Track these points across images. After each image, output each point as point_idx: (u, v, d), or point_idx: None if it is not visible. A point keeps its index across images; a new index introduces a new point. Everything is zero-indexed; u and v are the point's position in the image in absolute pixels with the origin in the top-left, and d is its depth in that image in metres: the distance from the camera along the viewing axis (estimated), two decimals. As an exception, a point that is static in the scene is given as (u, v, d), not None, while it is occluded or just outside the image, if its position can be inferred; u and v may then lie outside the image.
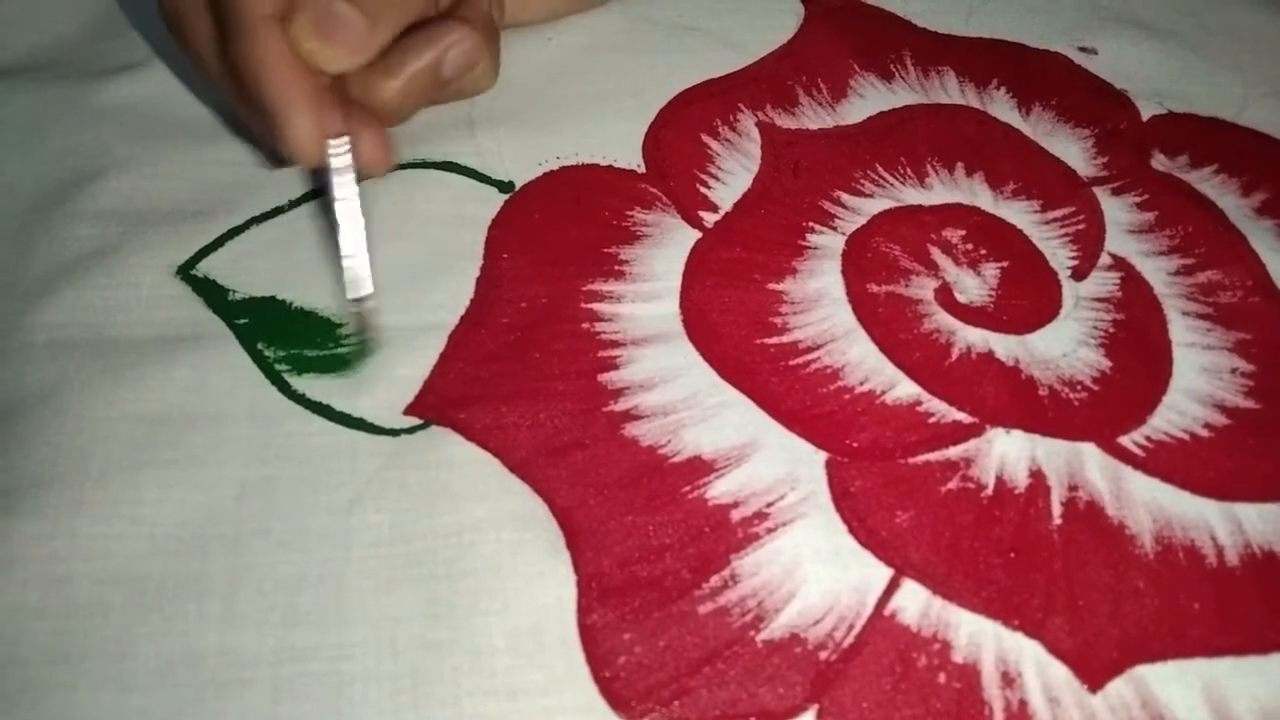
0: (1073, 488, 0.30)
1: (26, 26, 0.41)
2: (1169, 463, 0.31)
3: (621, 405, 0.31)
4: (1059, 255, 0.36)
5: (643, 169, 0.37)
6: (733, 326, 0.33)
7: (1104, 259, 0.36)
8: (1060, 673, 0.27)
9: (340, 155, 0.31)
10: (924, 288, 0.35)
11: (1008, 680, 0.27)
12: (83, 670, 0.25)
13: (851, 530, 0.29)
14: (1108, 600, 0.28)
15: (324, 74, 0.31)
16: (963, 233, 0.36)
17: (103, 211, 0.34)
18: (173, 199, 0.34)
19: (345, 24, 0.30)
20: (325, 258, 0.33)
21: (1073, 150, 0.40)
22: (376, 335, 0.31)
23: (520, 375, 0.31)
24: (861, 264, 0.35)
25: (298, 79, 0.30)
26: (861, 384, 0.32)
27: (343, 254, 0.31)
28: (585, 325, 0.32)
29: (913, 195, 0.37)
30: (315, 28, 0.30)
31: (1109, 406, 0.32)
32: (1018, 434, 0.31)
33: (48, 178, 0.35)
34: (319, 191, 0.34)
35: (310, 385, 0.30)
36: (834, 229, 0.36)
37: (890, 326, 0.33)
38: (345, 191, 0.31)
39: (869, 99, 0.40)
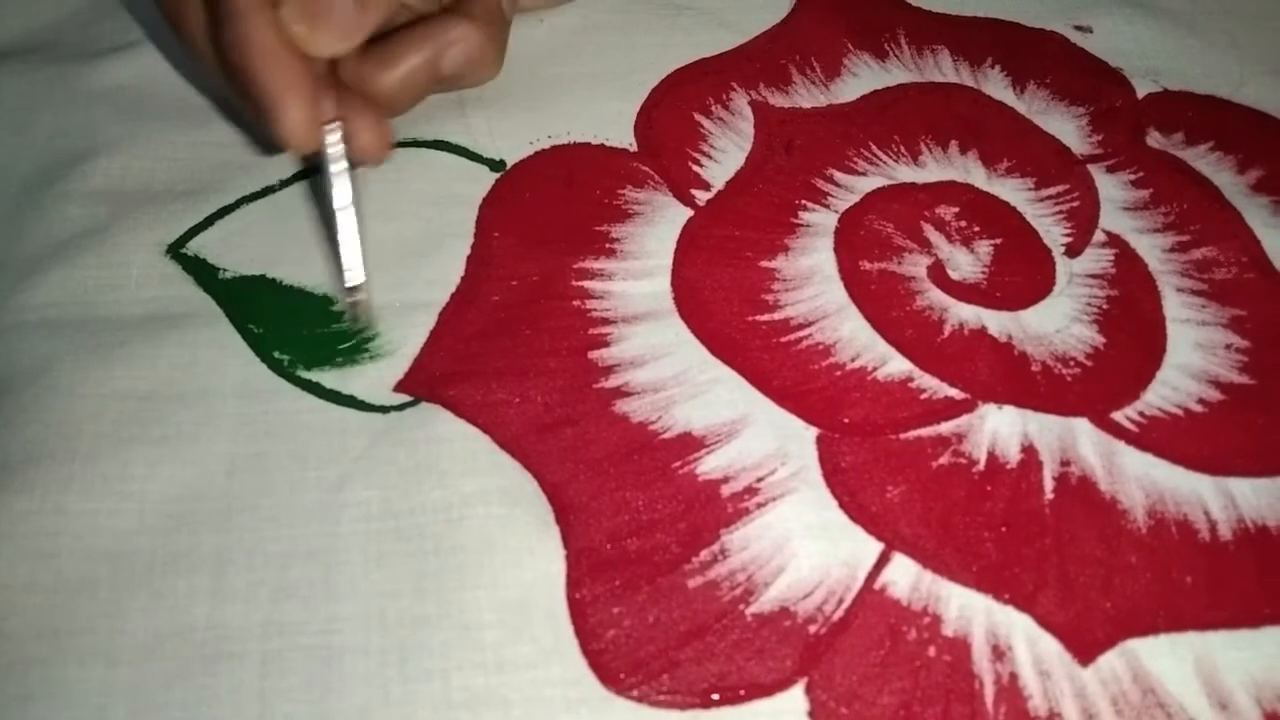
0: (1065, 463, 0.30)
1: (18, 9, 0.41)
2: (1162, 438, 0.31)
3: (612, 382, 0.31)
4: (1053, 232, 0.36)
5: (635, 148, 0.37)
6: (724, 304, 0.33)
7: (1098, 236, 0.36)
8: (1051, 646, 0.27)
9: (335, 142, 0.30)
10: (917, 265, 0.35)
11: (998, 654, 0.27)
12: (71, 645, 0.25)
13: (842, 505, 0.29)
14: (1099, 574, 0.28)
15: (317, 59, 0.30)
16: (956, 210, 0.36)
17: (93, 191, 0.34)
18: (163, 179, 0.34)
19: (333, 7, 0.30)
20: (316, 237, 0.33)
21: (1067, 128, 0.39)
22: (372, 323, 0.31)
23: (511, 352, 0.31)
24: (854, 241, 0.35)
25: (290, 64, 0.29)
26: (853, 360, 0.32)
27: (338, 242, 0.31)
28: (576, 303, 0.32)
29: (906, 173, 0.37)
30: (304, 11, 0.29)
31: (1102, 382, 0.32)
32: (1010, 410, 0.31)
33: (39, 158, 0.35)
34: (310, 171, 0.34)
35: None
36: (827, 207, 0.36)
37: (882, 303, 0.33)
38: (340, 179, 0.31)
39: (863, 78, 0.40)
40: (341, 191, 0.30)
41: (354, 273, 0.31)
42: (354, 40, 0.30)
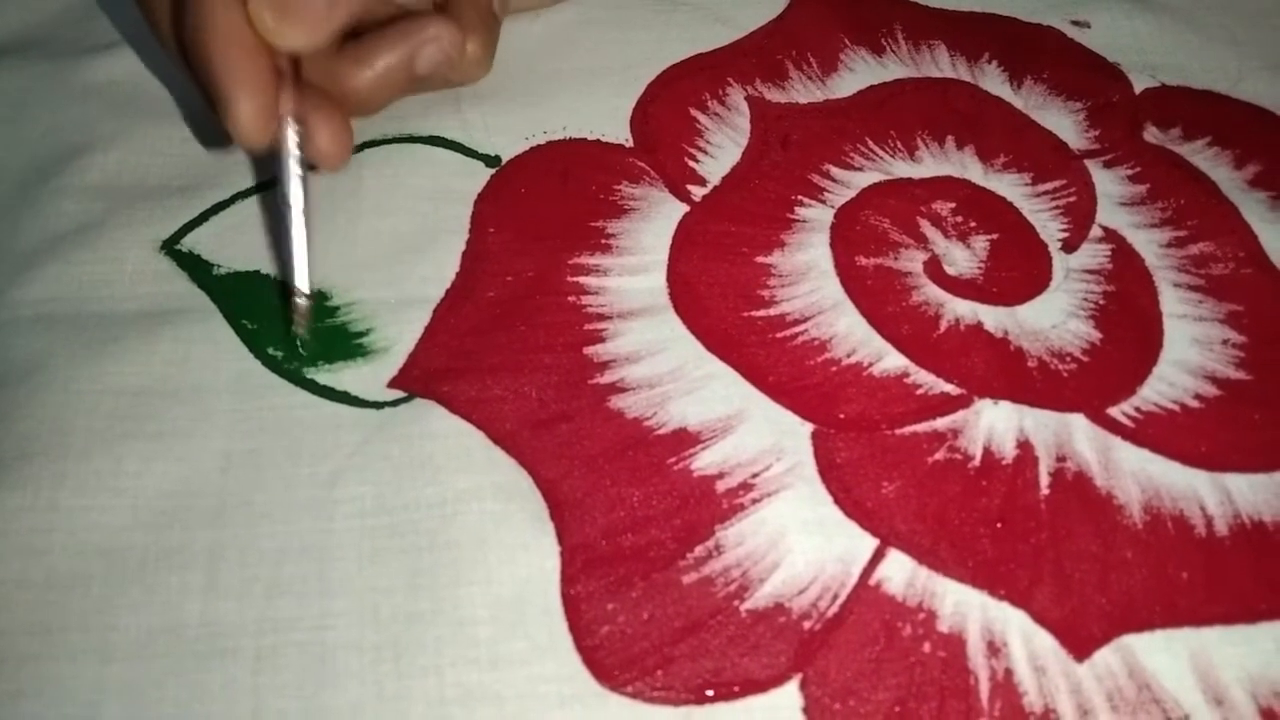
0: (1061, 458, 0.30)
1: (13, 4, 0.41)
2: (1159, 434, 0.31)
3: (607, 378, 0.31)
4: (1049, 228, 0.36)
5: (631, 143, 0.37)
6: (720, 299, 0.33)
7: (1095, 231, 0.36)
8: (1046, 642, 0.27)
9: (291, 140, 0.29)
10: (913, 260, 0.34)
11: (993, 649, 0.26)
12: (64, 641, 0.25)
13: (837, 501, 0.29)
14: (1095, 570, 0.28)
15: (281, 55, 0.29)
16: (952, 205, 0.36)
17: (88, 187, 0.34)
18: (158, 175, 0.34)
19: (305, 0, 0.29)
20: (311, 236, 0.33)
21: (1064, 123, 0.39)
22: (310, 334, 0.30)
23: (506, 348, 0.31)
24: (850, 237, 0.35)
25: (249, 56, 0.28)
26: (849, 356, 0.32)
27: (286, 244, 0.30)
28: (571, 298, 0.32)
29: (902, 168, 0.37)
30: (272, 2, 0.28)
31: (1098, 378, 0.32)
32: (1006, 405, 0.31)
33: (33, 154, 0.35)
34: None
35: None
36: (823, 202, 0.36)
37: (878, 299, 0.33)
38: (293, 179, 0.30)
39: (859, 73, 0.40)
40: (294, 191, 0.30)
41: (300, 279, 0.30)
42: (322, 34, 0.29)
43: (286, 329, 0.30)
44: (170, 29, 0.31)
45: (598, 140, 0.36)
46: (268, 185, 0.34)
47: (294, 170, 0.30)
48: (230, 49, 0.28)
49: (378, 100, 0.34)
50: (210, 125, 0.35)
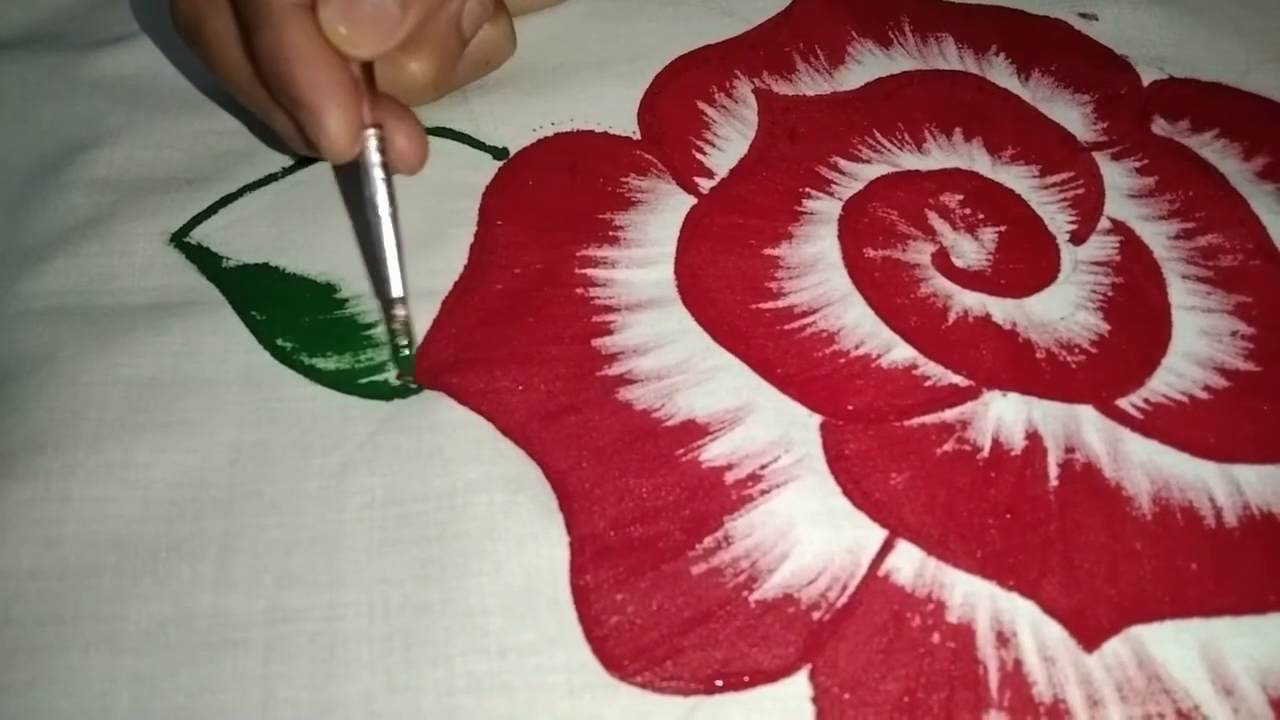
0: (1069, 449, 0.30)
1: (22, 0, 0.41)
2: (1167, 425, 0.31)
3: (616, 370, 0.31)
4: (1058, 220, 0.36)
5: (638, 135, 0.37)
6: (728, 291, 0.33)
7: (1103, 223, 0.36)
8: (1056, 632, 0.27)
9: (373, 149, 0.29)
10: (921, 252, 0.34)
11: (1002, 640, 0.26)
12: (75, 632, 0.25)
13: (846, 492, 0.29)
14: (1104, 561, 0.28)
15: (355, 64, 0.29)
16: (960, 197, 0.36)
17: (96, 180, 0.34)
18: (166, 167, 0.34)
19: (376, 7, 0.28)
20: (319, 225, 0.33)
21: (1072, 115, 0.39)
22: (413, 339, 0.30)
23: (514, 340, 0.31)
24: (858, 229, 0.35)
25: (330, 68, 0.28)
26: (857, 348, 0.32)
27: (379, 254, 0.29)
28: (579, 290, 0.32)
29: (910, 161, 0.37)
30: (345, 12, 0.28)
31: (1107, 369, 0.32)
32: (1014, 396, 0.31)
33: (42, 148, 0.35)
34: (313, 160, 0.34)
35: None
36: (831, 194, 0.36)
37: (887, 291, 0.33)
38: (380, 186, 0.29)
39: (867, 65, 0.40)
40: (382, 199, 0.29)
41: (395, 285, 0.29)
42: (396, 40, 0.29)
43: (297, 318, 0.30)
44: (229, 58, 0.31)
45: (605, 133, 0.36)
46: (275, 178, 0.34)
47: (379, 177, 0.29)
48: (310, 65, 0.28)
49: (442, 80, 0.33)
50: (255, 130, 0.35)
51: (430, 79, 0.33)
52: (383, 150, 0.30)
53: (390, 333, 0.30)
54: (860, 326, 0.32)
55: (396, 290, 0.29)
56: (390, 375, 0.30)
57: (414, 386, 0.30)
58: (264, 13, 0.28)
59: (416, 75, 0.32)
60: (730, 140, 0.37)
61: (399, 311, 0.29)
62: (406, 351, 0.30)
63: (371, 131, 0.29)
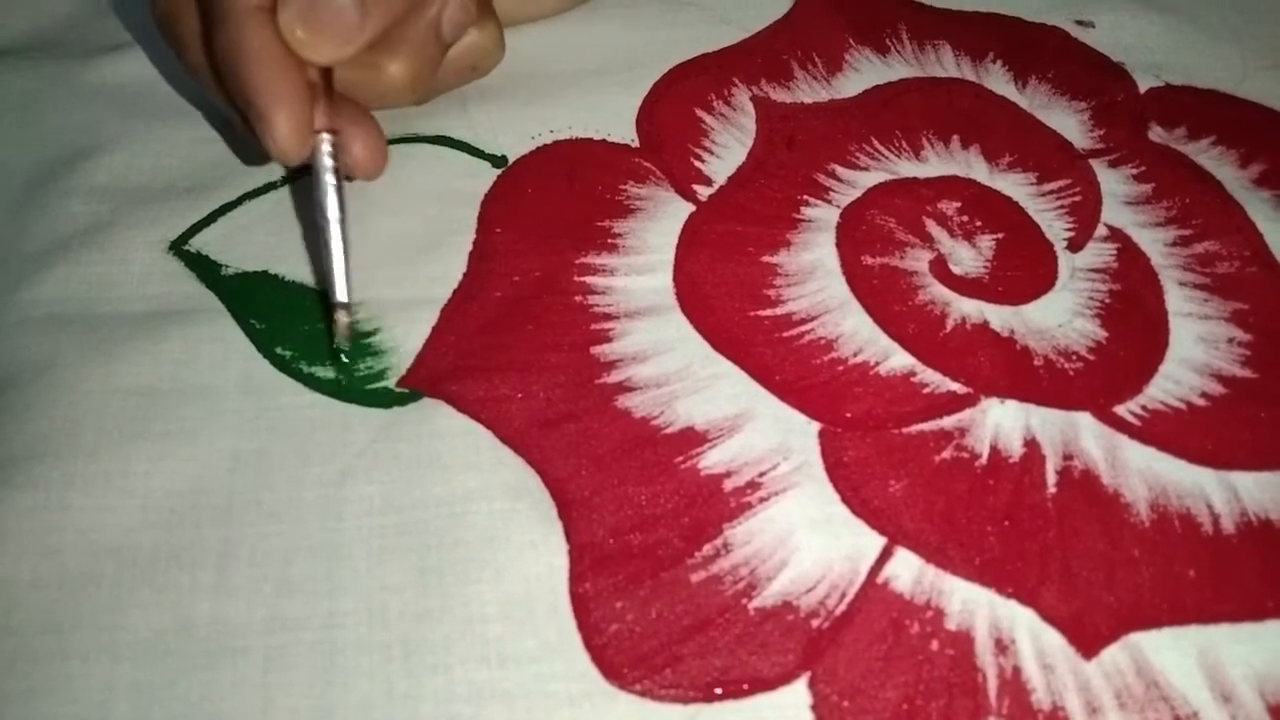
0: (1067, 457, 0.30)
1: (22, 7, 0.41)
2: (1165, 432, 0.31)
3: (614, 377, 0.31)
4: (1055, 227, 0.36)
5: (636, 143, 0.37)
6: (726, 299, 0.33)
7: (1100, 230, 0.36)
8: (1054, 640, 0.27)
9: (326, 153, 0.30)
10: (919, 260, 0.35)
11: (1001, 647, 0.26)
12: (75, 640, 0.25)
13: (844, 499, 0.29)
14: (1102, 568, 0.28)
15: (312, 67, 0.30)
16: (958, 205, 0.36)
17: (96, 188, 0.34)
18: (165, 175, 0.34)
19: (336, 12, 0.28)
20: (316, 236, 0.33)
21: (1069, 123, 0.39)
22: (351, 346, 0.30)
23: (513, 348, 0.31)
24: (856, 236, 0.35)
25: (283, 71, 0.28)
26: (855, 355, 0.32)
27: (325, 256, 0.30)
28: (578, 298, 0.32)
29: (908, 168, 0.37)
30: (304, 16, 0.28)
31: (1105, 376, 0.32)
32: (1012, 404, 0.31)
33: (42, 156, 0.35)
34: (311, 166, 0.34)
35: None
36: (828, 202, 0.36)
37: (884, 298, 0.33)
38: (330, 191, 0.30)
39: (864, 73, 0.40)
40: (331, 204, 0.30)
41: (339, 290, 0.30)
42: (355, 46, 0.29)
43: (296, 327, 0.31)
44: (199, 56, 0.31)
45: (604, 140, 0.37)
46: (274, 186, 0.34)
47: (330, 182, 0.30)
48: (263, 67, 0.28)
49: (419, 83, 0.33)
50: (237, 139, 0.35)
51: (407, 81, 0.33)
52: (335, 156, 0.30)
53: (330, 335, 0.30)
54: (858, 334, 0.32)
55: (341, 295, 0.30)
56: (391, 382, 0.30)
57: (401, 392, 0.30)
58: (224, 12, 0.28)
59: (394, 77, 0.32)
60: (728, 148, 0.37)
61: (341, 317, 0.30)
62: (344, 360, 0.30)
63: (325, 136, 0.30)
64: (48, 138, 0.36)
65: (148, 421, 0.29)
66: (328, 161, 0.30)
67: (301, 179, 0.34)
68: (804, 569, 0.27)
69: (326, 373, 0.30)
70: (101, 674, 0.25)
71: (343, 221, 0.30)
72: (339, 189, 0.30)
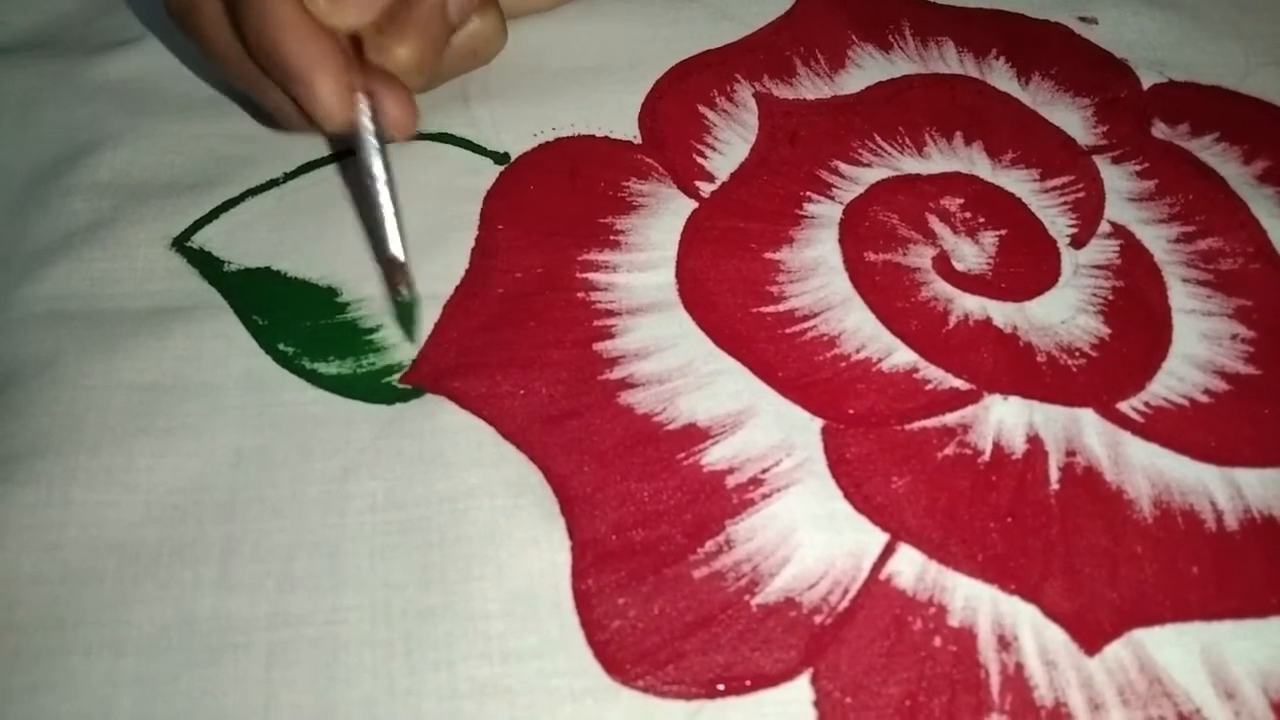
0: (1070, 453, 0.30)
1: (24, 5, 0.41)
2: (1168, 428, 0.31)
3: (617, 374, 0.31)
4: (1058, 223, 0.36)
5: (639, 140, 0.37)
6: (729, 295, 0.33)
7: (1103, 227, 0.36)
8: (1057, 636, 0.27)
9: (365, 116, 0.30)
10: (922, 256, 0.34)
11: (1004, 643, 0.26)
12: (77, 636, 0.25)
13: (847, 496, 0.29)
14: (1105, 564, 0.28)
15: (342, 36, 0.30)
16: (961, 201, 0.36)
17: (98, 185, 0.34)
18: (168, 172, 0.34)
19: None
20: (321, 229, 0.33)
21: (1072, 119, 0.39)
22: (416, 297, 0.31)
23: (515, 344, 0.31)
24: (859, 233, 0.35)
25: (317, 38, 0.29)
26: (858, 351, 0.32)
27: (377, 218, 0.30)
28: (580, 295, 0.32)
29: (911, 164, 0.37)
30: None
31: (1108, 373, 0.32)
32: (1015, 400, 0.31)
33: (44, 152, 0.35)
34: (314, 164, 0.34)
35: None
36: (831, 198, 0.36)
37: (887, 294, 0.33)
38: (374, 153, 0.31)
39: (867, 69, 0.40)
40: (377, 164, 0.30)
41: (394, 245, 0.30)
42: (374, 10, 0.30)
43: (298, 323, 0.31)
44: (223, 40, 0.31)
45: (606, 137, 0.37)
46: (276, 182, 0.34)
47: (372, 143, 0.30)
48: (298, 37, 0.29)
49: (426, 65, 0.33)
50: (267, 118, 0.35)
51: (415, 63, 0.33)
52: (374, 119, 0.31)
53: (393, 296, 0.31)
54: (861, 330, 0.32)
55: (395, 249, 0.30)
56: (394, 379, 0.30)
57: (404, 388, 0.30)
58: None
59: (402, 59, 0.33)
60: (731, 144, 0.37)
61: (401, 273, 0.30)
62: (401, 304, 0.31)
63: (363, 99, 0.30)
64: (50, 134, 0.36)
65: (150, 417, 0.29)
66: (368, 124, 0.30)
67: (305, 175, 0.34)
68: (806, 565, 0.27)
69: (329, 369, 0.30)
70: (104, 669, 0.25)
71: (389, 182, 0.31)
72: (382, 150, 0.31)
